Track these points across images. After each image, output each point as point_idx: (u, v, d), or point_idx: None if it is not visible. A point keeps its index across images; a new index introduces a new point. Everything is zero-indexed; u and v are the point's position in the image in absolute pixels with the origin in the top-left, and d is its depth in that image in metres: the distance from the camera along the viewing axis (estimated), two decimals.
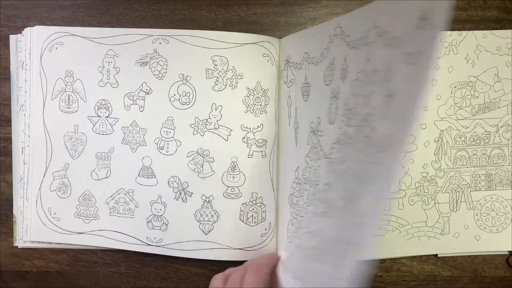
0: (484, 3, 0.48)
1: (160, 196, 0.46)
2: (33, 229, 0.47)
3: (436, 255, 0.47)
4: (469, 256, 0.48)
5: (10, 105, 0.48)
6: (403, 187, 0.47)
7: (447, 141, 0.47)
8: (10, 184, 0.48)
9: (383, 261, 0.48)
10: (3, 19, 0.48)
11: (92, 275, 0.49)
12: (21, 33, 0.48)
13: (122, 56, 0.46)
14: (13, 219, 0.48)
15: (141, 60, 0.46)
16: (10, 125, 0.48)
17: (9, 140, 0.49)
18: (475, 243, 0.47)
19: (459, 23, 0.48)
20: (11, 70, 0.48)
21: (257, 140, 0.46)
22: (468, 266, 0.48)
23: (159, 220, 0.46)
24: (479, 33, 0.47)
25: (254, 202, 0.46)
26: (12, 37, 0.48)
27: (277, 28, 0.49)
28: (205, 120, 0.46)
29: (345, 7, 0.48)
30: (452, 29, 0.47)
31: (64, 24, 0.48)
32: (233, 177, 0.46)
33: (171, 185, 0.46)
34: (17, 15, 0.48)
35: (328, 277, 0.29)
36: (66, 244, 0.47)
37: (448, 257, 0.48)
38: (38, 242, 0.48)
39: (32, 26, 0.47)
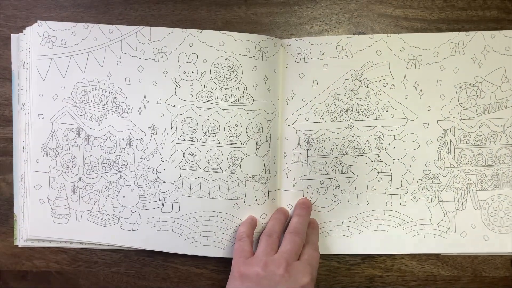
0: (484, 3, 0.48)
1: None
2: (32, 226, 0.47)
3: (438, 254, 0.48)
4: (469, 256, 0.48)
5: (10, 105, 0.48)
6: (404, 184, 0.47)
7: (450, 140, 0.47)
8: (10, 184, 0.49)
9: (383, 261, 0.48)
10: (3, 19, 0.48)
11: (92, 275, 0.49)
12: (22, 32, 0.48)
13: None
14: (14, 218, 0.48)
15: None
16: (10, 125, 0.48)
17: (9, 140, 0.49)
18: (484, 243, 0.47)
19: (459, 23, 0.48)
20: (12, 69, 0.48)
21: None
22: (468, 266, 0.48)
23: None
24: (487, 33, 0.47)
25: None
26: (13, 36, 0.48)
27: (277, 28, 0.49)
28: None
29: (345, 7, 0.48)
30: (452, 29, 0.47)
31: None
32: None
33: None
34: (17, 15, 0.48)
35: None
36: (66, 240, 0.47)
37: (448, 257, 0.48)
38: (38, 240, 0.48)
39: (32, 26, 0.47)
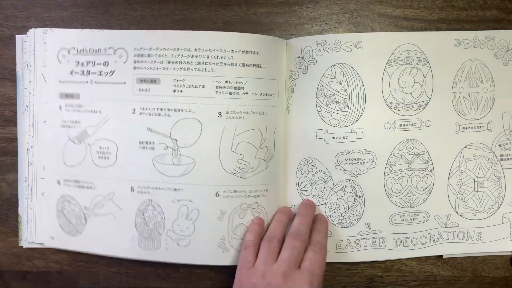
0: (484, 3, 0.48)
1: None
2: (41, 234, 0.47)
3: (441, 255, 0.48)
4: (469, 256, 0.48)
5: (11, 105, 0.48)
6: None
7: None
8: (10, 184, 0.49)
9: (383, 261, 0.48)
10: (3, 19, 0.48)
11: (92, 275, 0.49)
12: (25, 33, 0.47)
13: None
14: (19, 219, 0.48)
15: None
16: (10, 125, 0.48)
17: (9, 140, 0.49)
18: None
19: (459, 23, 0.48)
20: (17, 71, 0.48)
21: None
22: (468, 266, 0.48)
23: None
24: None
25: None
26: (18, 37, 0.48)
27: (277, 28, 0.49)
28: None
29: (345, 7, 0.48)
30: (452, 29, 0.47)
31: (63, 24, 0.48)
32: None
33: None
34: (17, 15, 0.48)
35: None
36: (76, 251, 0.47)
37: (448, 257, 0.48)
38: (42, 244, 0.48)
39: (32, 26, 0.47)
